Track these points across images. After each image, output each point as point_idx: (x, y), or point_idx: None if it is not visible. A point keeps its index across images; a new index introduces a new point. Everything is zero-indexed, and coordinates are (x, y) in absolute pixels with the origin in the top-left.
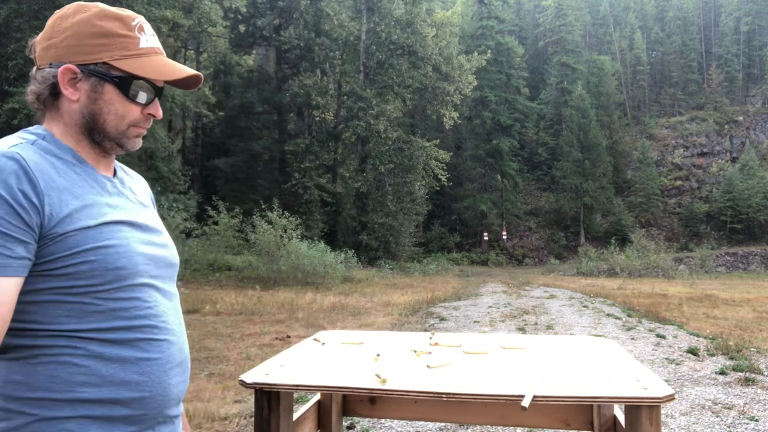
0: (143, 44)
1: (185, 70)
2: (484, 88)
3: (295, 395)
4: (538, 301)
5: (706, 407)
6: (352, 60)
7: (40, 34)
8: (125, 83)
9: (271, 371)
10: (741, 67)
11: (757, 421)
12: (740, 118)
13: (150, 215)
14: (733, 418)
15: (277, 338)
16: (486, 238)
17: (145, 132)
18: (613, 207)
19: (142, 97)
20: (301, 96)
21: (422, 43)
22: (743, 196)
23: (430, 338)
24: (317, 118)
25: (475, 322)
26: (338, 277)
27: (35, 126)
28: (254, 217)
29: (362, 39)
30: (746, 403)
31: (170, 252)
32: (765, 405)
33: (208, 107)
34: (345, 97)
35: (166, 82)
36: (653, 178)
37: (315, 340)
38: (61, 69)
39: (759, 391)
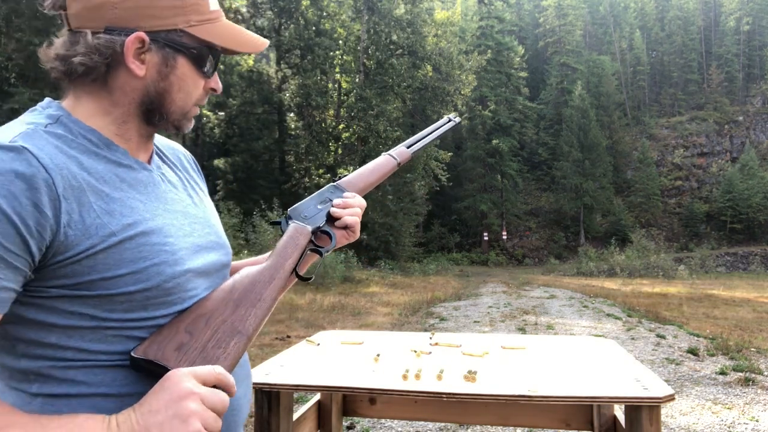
0: (212, 6)
1: (261, 41)
2: (484, 88)
3: (295, 395)
4: (538, 301)
5: (706, 407)
6: (352, 60)
7: None
8: (202, 55)
9: (271, 371)
10: (741, 67)
11: (757, 421)
12: (740, 118)
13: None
14: (733, 418)
15: (277, 338)
16: (486, 238)
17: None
18: (613, 207)
19: (209, 69)
20: (301, 96)
21: (422, 43)
22: (743, 196)
23: (430, 338)
24: (317, 118)
25: (475, 322)
26: (338, 277)
27: (46, 101)
28: (254, 217)
29: (362, 39)
30: (746, 403)
31: (223, 250)
32: (765, 405)
33: (208, 107)
34: (345, 97)
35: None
36: (653, 178)
37: (308, 341)
38: (130, 38)
39: (759, 391)
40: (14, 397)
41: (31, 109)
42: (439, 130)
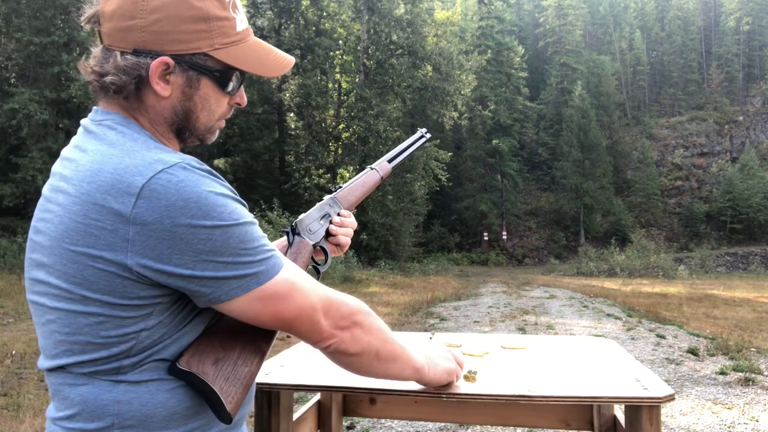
0: (239, 27)
1: (287, 61)
2: (484, 87)
3: (295, 395)
4: (538, 301)
5: (706, 407)
6: (352, 60)
7: (112, 6)
8: (225, 77)
9: (271, 371)
10: (741, 67)
11: (757, 421)
12: (740, 118)
13: None
14: (733, 418)
15: (277, 338)
16: (486, 238)
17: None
18: (613, 207)
19: (232, 86)
20: (301, 96)
21: (422, 43)
22: (743, 196)
23: (430, 338)
24: (317, 118)
25: (475, 322)
26: (338, 277)
27: (119, 118)
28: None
29: (362, 39)
30: (746, 403)
31: None
32: (765, 405)
33: None
34: (345, 97)
35: None
36: (653, 178)
37: None
38: (156, 62)
39: (759, 391)
40: (92, 387)
41: (120, 125)
42: (414, 144)
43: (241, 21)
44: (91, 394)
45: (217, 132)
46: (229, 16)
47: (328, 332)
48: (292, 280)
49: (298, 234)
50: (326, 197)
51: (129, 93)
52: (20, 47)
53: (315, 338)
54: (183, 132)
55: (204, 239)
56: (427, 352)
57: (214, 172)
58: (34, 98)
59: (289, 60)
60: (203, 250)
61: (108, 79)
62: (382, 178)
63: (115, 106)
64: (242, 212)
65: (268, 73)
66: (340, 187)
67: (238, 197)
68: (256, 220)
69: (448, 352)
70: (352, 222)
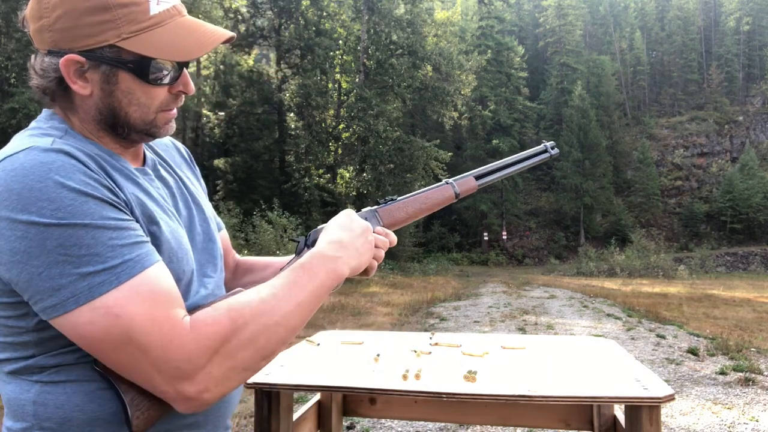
0: (154, 9)
1: (214, 38)
2: (484, 87)
3: (295, 395)
4: (538, 301)
5: (706, 407)
6: (352, 60)
7: (29, 8)
8: (142, 67)
9: (270, 371)
10: (741, 67)
11: (757, 421)
12: (740, 118)
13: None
14: (733, 418)
15: None
16: (486, 238)
17: (176, 114)
18: (613, 207)
19: (167, 76)
20: (301, 96)
21: (422, 43)
22: (743, 196)
23: (430, 338)
24: (317, 118)
25: (475, 322)
26: None
27: (48, 113)
28: (254, 216)
29: (362, 39)
30: (746, 403)
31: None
32: (765, 405)
33: (209, 107)
34: (345, 97)
35: None
36: (653, 178)
37: (308, 341)
38: (61, 62)
39: (759, 391)
40: (14, 385)
41: (35, 122)
42: (529, 160)
43: (159, 2)
44: (13, 393)
45: (171, 124)
46: (137, 1)
47: (174, 390)
48: (120, 312)
49: (308, 246)
50: (365, 209)
51: (55, 94)
52: (20, 47)
53: (159, 393)
54: (116, 128)
55: (20, 236)
56: (326, 251)
57: (80, 158)
58: (34, 98)
59: (218, 36)
60: (19, 250)
61: (32, 82)
62: (457, 195)
63: (55, 107)
64: (79, 210)
65: (186, 56)
66: (392, 200)
67: (98, 192)
68: (115, 224)
69: (351, 230)
70: (383, 242)
